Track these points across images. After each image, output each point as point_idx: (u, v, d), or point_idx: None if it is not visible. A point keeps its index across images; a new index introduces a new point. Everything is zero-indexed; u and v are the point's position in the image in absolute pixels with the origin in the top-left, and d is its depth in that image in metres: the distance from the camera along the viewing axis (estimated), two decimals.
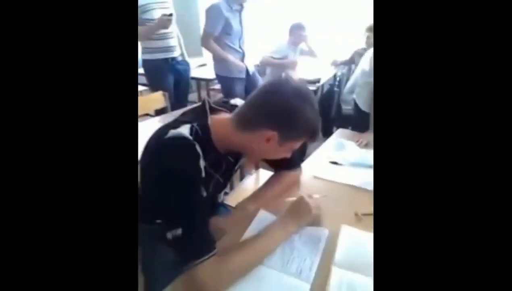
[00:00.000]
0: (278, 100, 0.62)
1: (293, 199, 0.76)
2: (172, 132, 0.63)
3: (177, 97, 2.21)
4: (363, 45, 2.48)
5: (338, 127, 1.59)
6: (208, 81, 2.60)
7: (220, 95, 2.89)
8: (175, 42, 2.18)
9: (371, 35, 2.33)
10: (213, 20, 2.02)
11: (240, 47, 2.16)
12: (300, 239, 0.71)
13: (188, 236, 0.57)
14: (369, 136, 1.23)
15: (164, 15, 1.92)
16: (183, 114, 0.73)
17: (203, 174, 0.63)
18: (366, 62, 1.74)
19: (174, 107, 1.91)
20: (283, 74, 2.16)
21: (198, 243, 0.58)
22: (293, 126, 0.63)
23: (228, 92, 2.23)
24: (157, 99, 1.88)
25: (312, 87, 2.27)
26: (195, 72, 2.89)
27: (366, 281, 0.58)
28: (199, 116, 0.68)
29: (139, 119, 1.90)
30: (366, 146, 1.19)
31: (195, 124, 0.65)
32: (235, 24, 2.06)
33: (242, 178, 1.49)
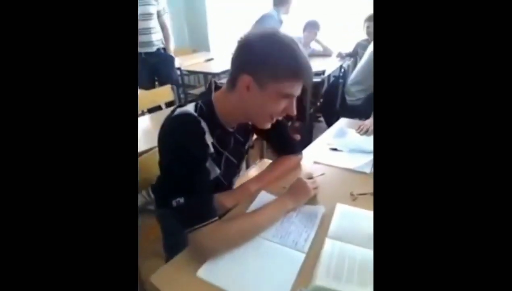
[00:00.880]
0: (247, 46, 0.65)
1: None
2: (178, 110, 0.70)
3: (147, 88, 2.29)
4: (365, 36, 2.50)
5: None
6: (215, 75, 2.67)
7: None
8: (155, 37, 2.32)
9: (371, 24, 2.35)
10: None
11: None
12: (297, 216, 0.76)
13: (190, 204, 0.63)
14: (369, 123, 1.26)
15: None
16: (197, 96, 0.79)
17: (211, 150, 0.69)
18: (367, 54, 1.76)
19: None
20: None
21: (198, 210, 0.64)
22: (264, 66, 0.63)
23: None
24: (166, 92, 1.97)
25: (317, 79, 2.30)
26: (203, 66, 2.94)
27: (355, 249, 0.63)
28: (204, 94, 0.75)
29: (151, 111, 2.01)
30: (366, 133, 1.23)
31: (199, 102, 0.71)
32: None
33: (247, 166, 1.55)
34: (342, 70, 2.46)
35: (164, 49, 2.42)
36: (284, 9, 2.66)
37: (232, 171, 0.90)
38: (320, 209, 0.77)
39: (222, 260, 0.63)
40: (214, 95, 0.73)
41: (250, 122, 0.83)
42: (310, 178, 0.86)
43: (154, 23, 2.29)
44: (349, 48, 2.83)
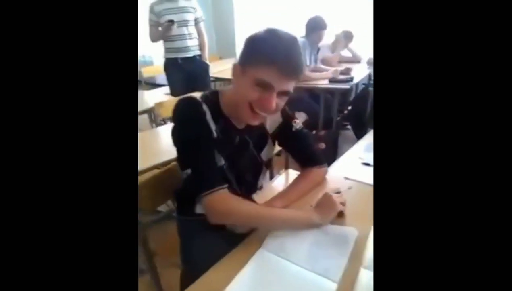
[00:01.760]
0: (246, 40, 0.70)
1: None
2: (184, 95, 0.77)
3: (181, 94, 2.32)
4: None
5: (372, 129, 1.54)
6: None
7: None
8: (192, 43, 2.37)
9: None
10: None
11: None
12: (327, 238, 0.70)
13: (196, 172, 0.70)
14: None
15: (167, 21, 2.20)
16: None
17: (214, 135, 0.74)
18: None
19: None
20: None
21: (205, 178, 0.69)
22: (247, 51, 0.69)
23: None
24: None
25: (345, 86, 2.22)
26: (229, 74, 2.95)
27: None
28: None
29: (165, 121, 2.02)
30: None
31: (207, 93, 0.78)
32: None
33: (271, 177, 1.50)
34: (373, 77, 2.36)
35: (200, 56, 2.47)
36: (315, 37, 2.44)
37: (241, 177, 0.86)
38: (353, 232, 0.71)
39: (245, 286, 0.59)
40: (222, 88, 0.80)
41: (262, 126, 0.85)
42: (338, 192, 0.81)
43: (191, 30, 2.34)
44: None
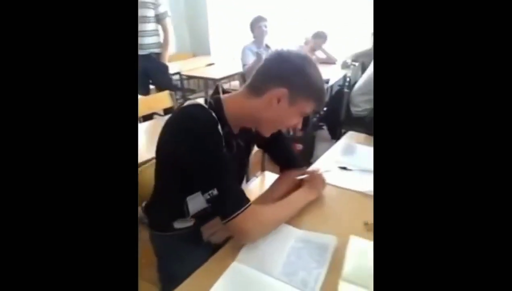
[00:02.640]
0: (287, 62, 0.67)
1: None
2: (189, 101, 0.69)
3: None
4: (371, 45, 2.44)
5: (347, 130, 1.55)
6: (215, 80, 2.60)
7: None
8: (149, 40, 2.25)
9: None
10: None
11: None
12: (306, 247, 0.68)
13: (224, 193, 0.63)
14: None
15: None
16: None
17: (223, 143, 0.67)
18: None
19: None
20: None
21: (234, 198, 0.65)
22: (302, 83, 0.66)
23: None
24: (164, 98, 1.88)
25: None
26: (203, 71, 2.87)
27: None
28: (213, 94, 0.73)
29: (146, 119, 1.92)
30: None
31: (208, 98, 0.70)
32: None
33: (247, 180, 1.46)
34: (348, 79, 2.39)
35: (158, 54, 2.34)
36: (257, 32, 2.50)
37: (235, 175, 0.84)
38: (332, 240, 0.69)
39: None
40: (224, 96, 0.72)
41: (254, 130, 0.81)
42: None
43: (150, 26, 2.21)
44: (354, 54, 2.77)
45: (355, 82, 2.23)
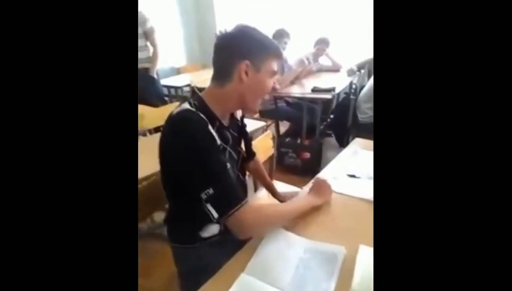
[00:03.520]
0: (233, 39, 0.72)
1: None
2: (177, 109, 0.72)
3: None
4: None
5: (355, 137, 1.53)
6: None
7: None
8: (140, 55, 2.32)
9: None
10: None
11: None
12: (315, 258, 0.67)
13: (220, 191, 0.65)
14: None
15: None
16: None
17: (218, 141, 0.70)
18: None
19: None
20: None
21: (229, 195, 0.67)
22: (255, 47, 0.71)
23: None
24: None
25: (327, 96, 2.23)
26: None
27: None
28: (191, 95, 0.76)
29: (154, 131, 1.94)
30: None
31: (191, 100, 0.74)
32: None
33: (256, 189, 1.46)
34: (354, 86, 2.39)
35: (147, 69, 2.42)
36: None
37: (234, 165, 0.86)
38: (341, 251, 0.68)
39: None
40: (201, 93, 0.76)
41: (241, 115, 0.88)
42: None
43: (139, 43, 2.29)
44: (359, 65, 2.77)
45: (361, 89, 2.23)
